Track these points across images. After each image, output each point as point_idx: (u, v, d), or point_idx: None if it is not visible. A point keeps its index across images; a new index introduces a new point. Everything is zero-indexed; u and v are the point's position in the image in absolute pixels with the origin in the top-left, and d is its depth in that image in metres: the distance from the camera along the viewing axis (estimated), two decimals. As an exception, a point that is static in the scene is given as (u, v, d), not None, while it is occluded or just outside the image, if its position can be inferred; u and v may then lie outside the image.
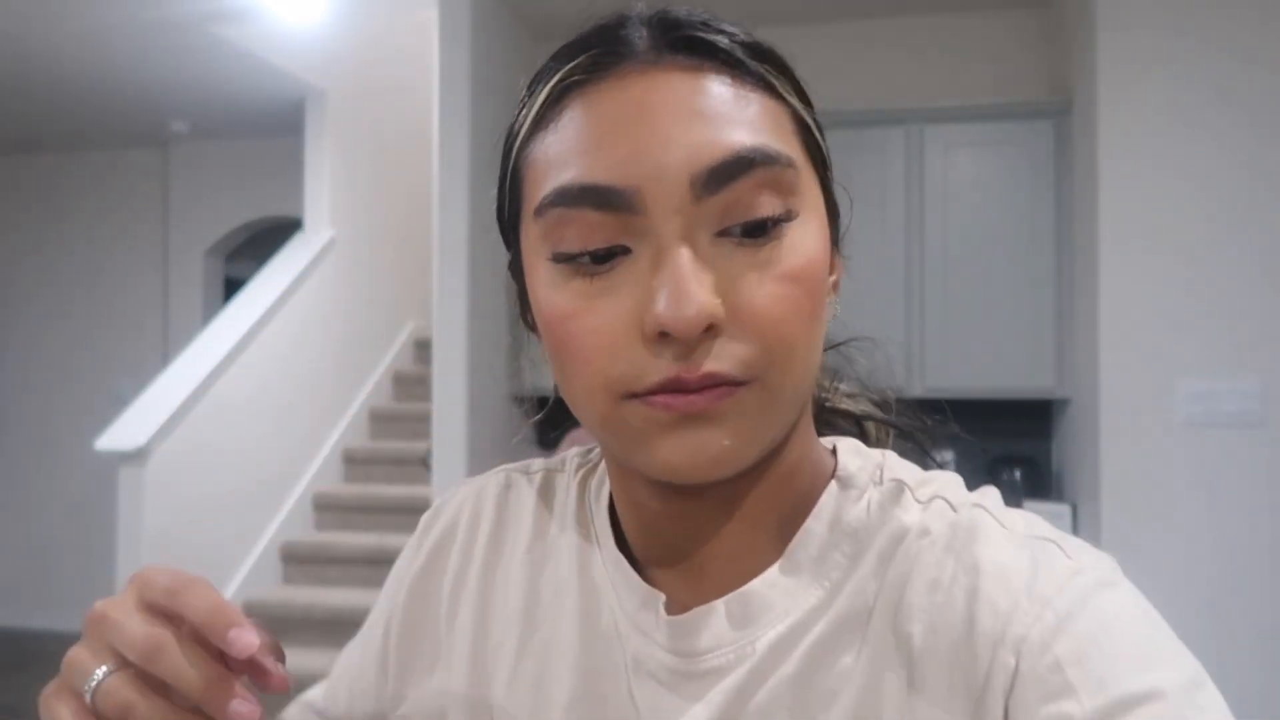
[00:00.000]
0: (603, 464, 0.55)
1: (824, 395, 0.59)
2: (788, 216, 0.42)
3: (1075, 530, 3.04)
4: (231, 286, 5.27)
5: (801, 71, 0.48)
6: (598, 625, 0.50)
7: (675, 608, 0.48)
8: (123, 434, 3.35)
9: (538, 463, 0.60)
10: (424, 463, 3.82)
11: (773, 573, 0.47)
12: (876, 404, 0.61)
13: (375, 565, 4.00)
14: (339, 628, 3.77)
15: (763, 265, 0.41)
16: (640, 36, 0.44)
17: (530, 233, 0.45)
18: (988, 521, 0.45)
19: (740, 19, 0.46)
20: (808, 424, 0.49)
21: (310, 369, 4.32)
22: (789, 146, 0.43)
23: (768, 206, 0.42)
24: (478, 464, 3.17)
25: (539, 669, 0.51)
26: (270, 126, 5.01)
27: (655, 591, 0.48)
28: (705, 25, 0.44)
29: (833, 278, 0.48)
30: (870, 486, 0.49)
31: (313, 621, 3.79)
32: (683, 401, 0.41)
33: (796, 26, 3.65)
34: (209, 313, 5.20)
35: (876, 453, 0.51)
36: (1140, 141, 2.79)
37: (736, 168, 0.41)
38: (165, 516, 3.43)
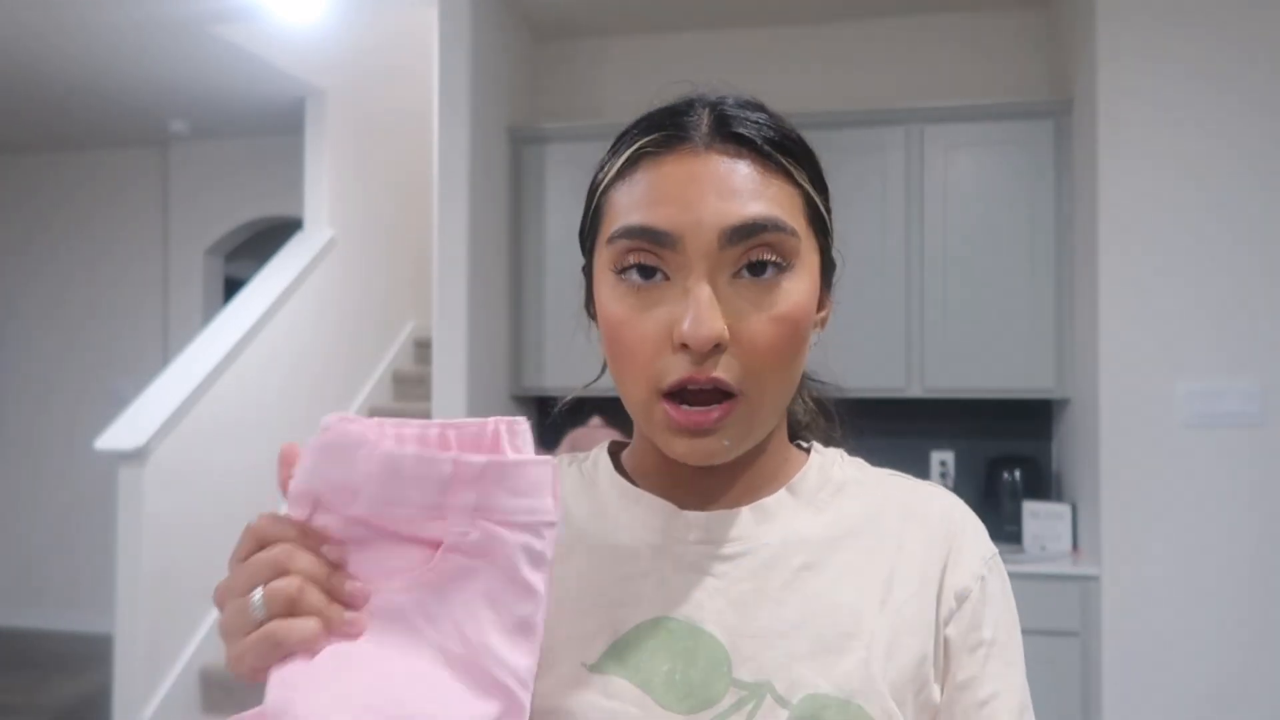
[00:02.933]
0: (592, 454, 0.71)
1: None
2: (785, 269, 0.58)
3: (1075, 530, 3.04)
4: (231, 286, 5.27)
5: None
6: (617, 552, 0.63)
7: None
8: (122, 434, 3.35)
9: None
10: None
11: (781, 494, 0.65)
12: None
13: (375, 565, 4.00)
14: (339, 628, 3.77)
15: (761, 306, 0.57)
16: (698, 125, 0.60)
17: (602, 255, 0.61)
18: (926, 484, 0.69)
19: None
20: (784, 424, 0.68)
21: (310, 369, 4.32)
22: (794, 220, 0.59)
23: (770, 259, 0.58)
24: (478, 464, 3.16)
25: (560, 597, 0.61)
26: (270, 126, 5.01)
27: (678, 509, 0.63)
28: (747, 122, 0.60)
29: (822, 314, 0.65)
30: (840, 459, 0.69)
31: (313, 621, 3.78)
32: (691, 422, 0.57)
33: (797, 26, 3.65)
34: (209, 313, 5.20)
35: (834, 449, 0.72)
36: (1140, 141, 2.79)
37: (752, 229, 0.57)
38: (165, 516, 3.42)
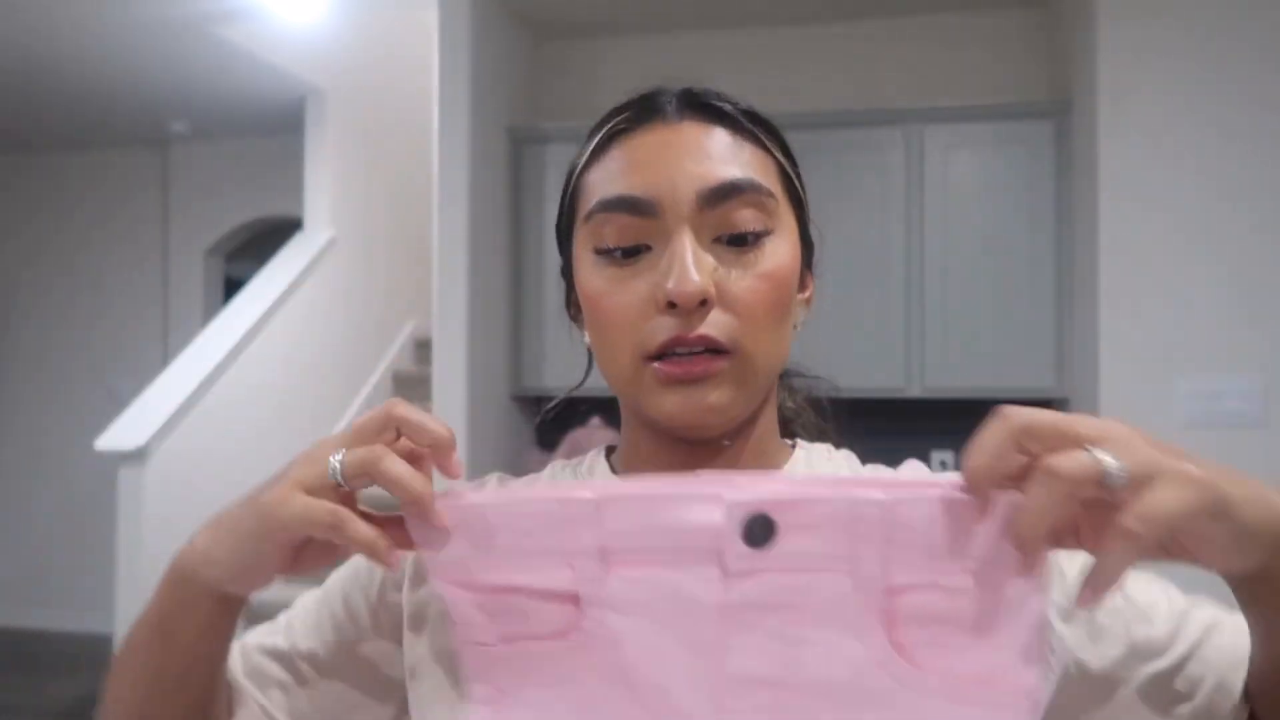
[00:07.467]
0: (588, 458, 0.69)
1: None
2: (766, 232, 0.58)
3: (1075, 530, 3.04)
4: (231, 286, 5.27)
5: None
6: None
7: None
8: (123, 434, 3.35)
9: (498, 474, 0.71)
10: (424, 463, 3.82)
11: None
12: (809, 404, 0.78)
13: (375, 565, 4.00)
14: (339, 628, 3.77)
15: (744, 265, 0.57)
16: (668, 103, 0.60)
17: (580, 236, 0.60)
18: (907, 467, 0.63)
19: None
20: (774, 409, 0.65)
21: (310, 369, 4.32)
22: (770, 183, 0.59)
23: (751, 222, 0.57)
24: (478, 464, 3.17)
25: None
26: (270, 126, 5.01)
27: None
28: (717, 96, 0.61)
29: (805, 294, 0.64)
30: (828, 455, 0.67)
31: (313, 621, 3.79)
32: (681, 370, 0.55)
33: (797, 27, 3.64)
34: (209, 313, 5.20)
35: (822, 444, 0.69)
36: (1140, 141, 2.79)
37: (730, 190, 0.57)
38: (165, 516, 3.42)
